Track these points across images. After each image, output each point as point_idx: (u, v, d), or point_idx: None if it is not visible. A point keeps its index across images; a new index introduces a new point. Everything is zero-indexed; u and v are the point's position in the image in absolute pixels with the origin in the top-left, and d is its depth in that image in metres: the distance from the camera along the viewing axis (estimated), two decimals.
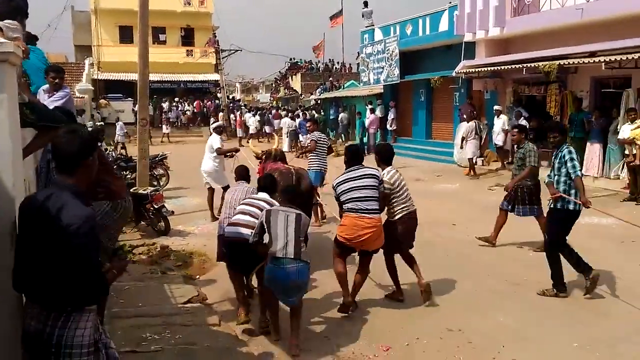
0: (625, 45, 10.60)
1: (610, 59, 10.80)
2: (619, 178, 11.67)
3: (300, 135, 22.71)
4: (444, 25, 17.65)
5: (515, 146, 7.83)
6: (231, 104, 36.79)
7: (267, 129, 27.87)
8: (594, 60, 11.17)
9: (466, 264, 7.02)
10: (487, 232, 7.80)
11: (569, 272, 5.91)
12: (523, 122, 13.63)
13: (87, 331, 2.52)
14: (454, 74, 15.97)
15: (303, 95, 39.52)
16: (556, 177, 5.86)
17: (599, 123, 12.07)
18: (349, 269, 5.58)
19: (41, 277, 2.48)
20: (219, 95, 36.98)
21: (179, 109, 34.61)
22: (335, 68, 42.60)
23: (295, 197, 5.12)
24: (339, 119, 24.23)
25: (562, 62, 11.91)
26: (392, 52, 19.90)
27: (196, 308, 5.65)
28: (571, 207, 5.76)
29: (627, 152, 10.79)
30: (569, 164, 5.72)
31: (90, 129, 10.20)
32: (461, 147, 15.27)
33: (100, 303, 3.09)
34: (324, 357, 4.60)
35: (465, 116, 15.80)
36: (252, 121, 28.44)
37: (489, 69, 14.48)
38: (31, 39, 5.86)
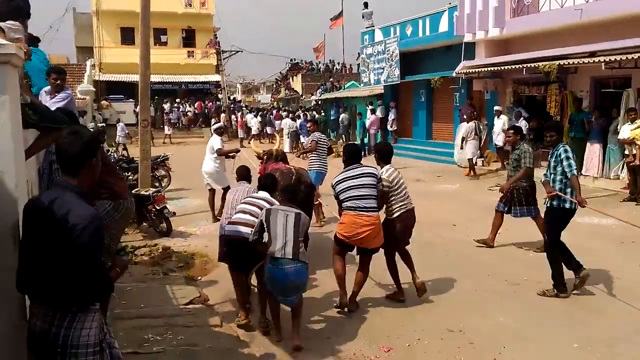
0: (625, 45, 10.60)
1: (610, 59, 10.81)
2: (619, 178, 11.67)
3: (301, 136, 22.73)
4: (443, 26, 17.66)
5: (511, 147, 7.84)
6: (232, 105, 36.84)
7: (268, 129, 27.91)
8: (594, 60, 11.17)
9: (466, 264, 7.03)
10: (487, 232, 7.80)
11: (570, 272, 5.91)
12: (522, 122, 13.69)
13: (92, 331, 2.56)
14: (454, 75, 15.98)
15: (304, 96, 39.51)
16: (552, 176, 5.89)
17: (599, 123, 12.07)
18: (349, 268, 5.61)
19: (47, 278, 2.50)
20: (220, 96, 37.02)
21: (180, 110, 34.64)
22: (336, 69, 42.59)
23: (295, 196, 5.15)
24: (340, 119, 24.23)
25: (562, 62, 11.92)
26: (393, 52, 19.92)
27: (198, 309, 5.66)
28: (567, 205, 5.78)
29: (627, 152, 10.79)
30: (564, 163, 5.74)
31: (91, 130, 10.23)
32: (461, 148, 15.29)
33: (104, 302, 3.11)
34: (325, 358, 4.62)
35: (465, 116, 15.82)
36: (254, 122, 28.47)
37: (489, 69, 14.49)
38: (33, 41, 5.88)
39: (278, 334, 4.95)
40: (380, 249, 5.63)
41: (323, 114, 28.52)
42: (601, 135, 12.12)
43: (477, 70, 14.96)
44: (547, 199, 5.92)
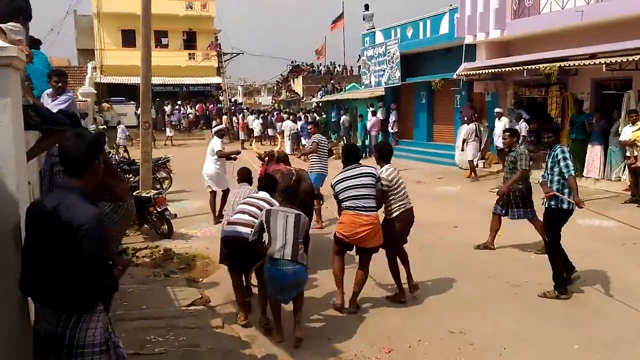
0: (626, 47, 10.61)
1: (610, 61, 10.81)
2: (620, 180, 11.66)
3: (302, 138, 22.75)
4: (444, 28, 17.67)
5: (507, 150, 7.88)
6: (233, 107, 36.89)
7: (270, 131, 27.95)
8: (595, 62, 11.17)
9: (467, 266, 7.04)
10: (487, 234, 7.80)
11: None
12: (523, 124, 13.69)
13: (97, 331, 2.59)
14: (454, 77, 15.98)
15: (305, 98, 39.55)
16: (549, 177, 5.91)
17: (600, 125, 12.06)
18: (349, 268, 5.62)
19: (52, 279, 2.52)
20: (221, 98, 37.09)
21: (182, 112, 34.71)
22: (337, 71, 42.61)
23: (295, 197, 5.16)
24: (341, 121, 24.25)
25: (562, 64, 11.93)
26: (393, 54, 19.93)
27: (199, 310, 5.68)
28: (565, 206, 5.80)
29: (628, 154, 10.78)
30: (562, 164, 5.75)
31: (93, 132, 10.24)
32: (462, 150, 15.30)
33: (106, 303, 3.13)
34: (326, 358, 4.63)
35: (466, 118, 15.83)
36: (256, 124, 28.51)
37: (489, 71, 14.50)
38: (34, 43, 5.90)
39: (279, 334, 4.97)
40: (381, 249, 5.65)
41: (324, 116, 28.54)
42: (602, 137, 12.11)
43: (477, 72, 14.97)
44: (545, 200, 5.94)
